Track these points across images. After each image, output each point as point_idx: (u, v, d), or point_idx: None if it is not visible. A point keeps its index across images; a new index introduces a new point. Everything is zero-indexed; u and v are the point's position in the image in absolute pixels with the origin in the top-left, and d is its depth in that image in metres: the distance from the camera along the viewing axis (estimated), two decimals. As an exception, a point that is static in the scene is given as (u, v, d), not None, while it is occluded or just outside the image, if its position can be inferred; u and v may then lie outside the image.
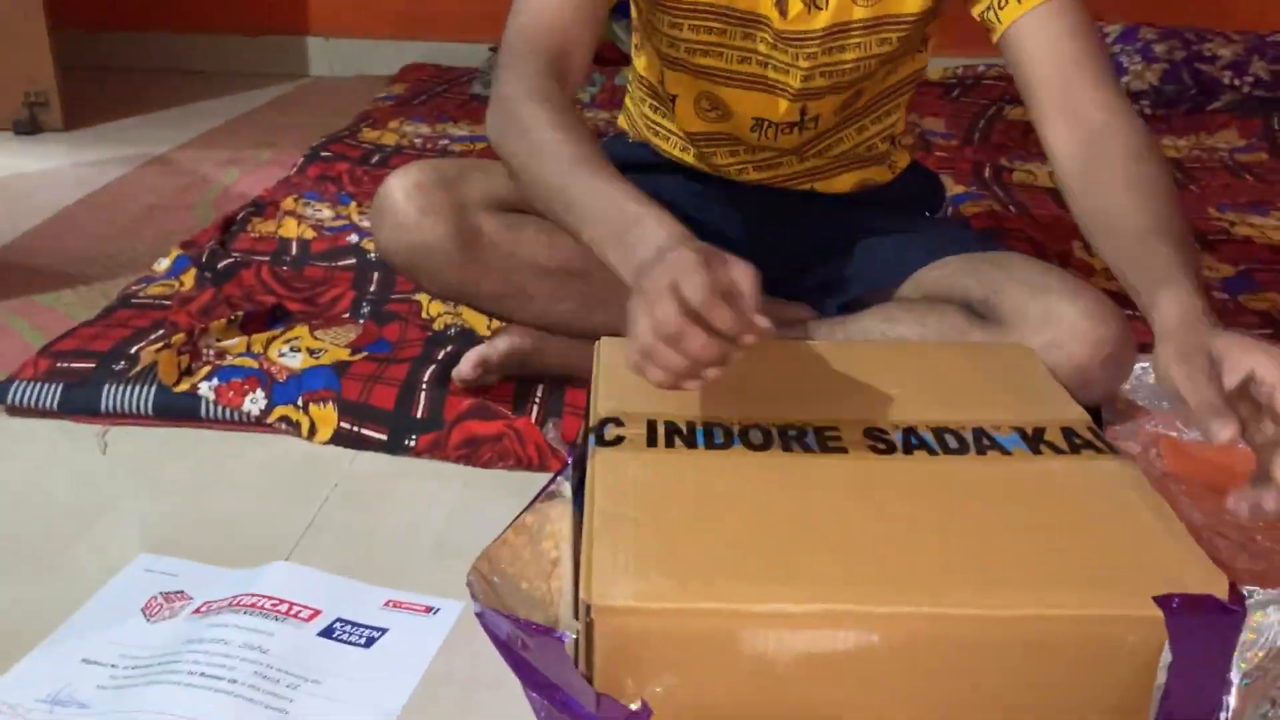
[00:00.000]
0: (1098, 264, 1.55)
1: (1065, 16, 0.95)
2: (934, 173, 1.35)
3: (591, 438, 0.70)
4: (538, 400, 1.14)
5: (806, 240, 1.22)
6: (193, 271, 1.42)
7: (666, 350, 0.66)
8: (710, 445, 0.70)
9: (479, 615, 0.60)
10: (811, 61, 1.02)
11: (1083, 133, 0.90)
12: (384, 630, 0.83)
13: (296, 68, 2.93)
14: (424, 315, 1.30)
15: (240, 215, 1.67)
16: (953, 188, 1.83)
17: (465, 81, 2.62)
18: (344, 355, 1.20)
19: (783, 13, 0.99)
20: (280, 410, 1.11)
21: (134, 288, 1.40)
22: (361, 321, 1.29)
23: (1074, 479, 0.68)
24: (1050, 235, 1.63)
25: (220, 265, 1.43)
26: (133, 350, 1.17)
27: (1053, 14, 0.95)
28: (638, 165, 1.27)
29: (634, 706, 0.55)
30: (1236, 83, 2.42)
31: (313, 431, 1.10)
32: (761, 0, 1.00)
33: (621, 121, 1.30)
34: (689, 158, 1.20)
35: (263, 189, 1.83)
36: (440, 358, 1.18)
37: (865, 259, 1.17)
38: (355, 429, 1.10)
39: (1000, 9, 0.97)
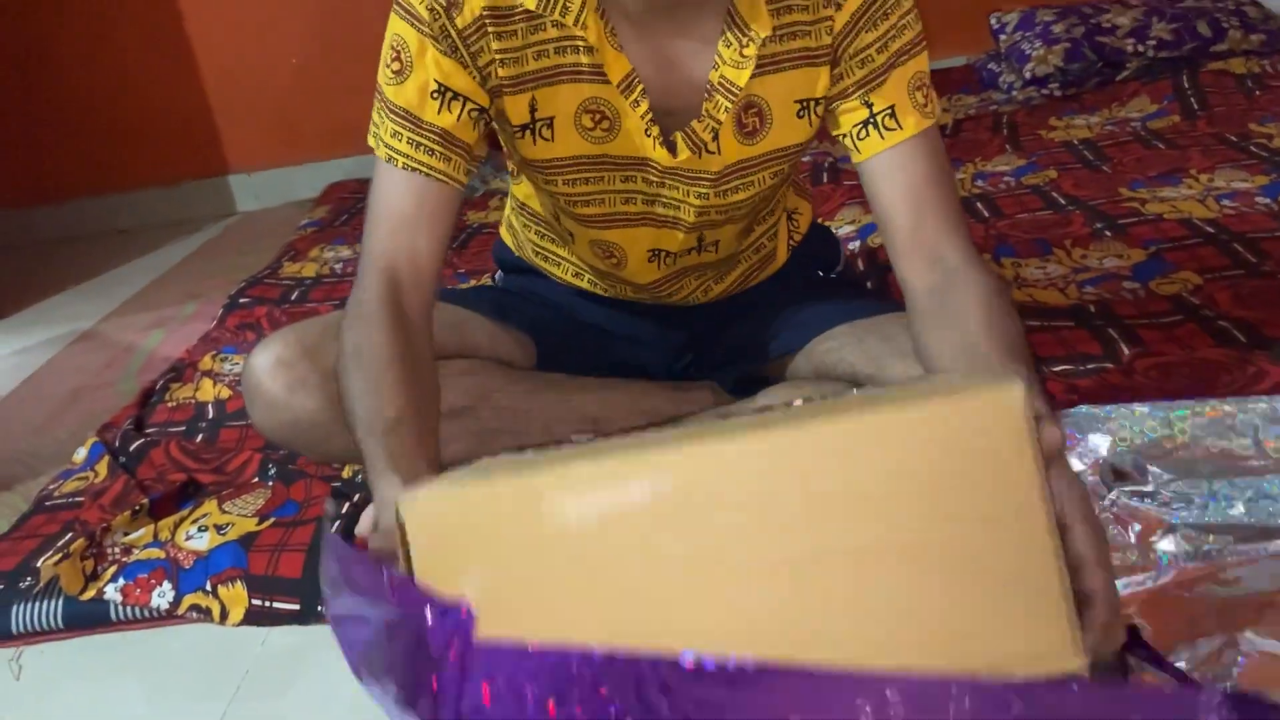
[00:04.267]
0: (1008, 274, 1.53)
1: (922, 157, 0.91)
2: (828, 231, 1.32)
3: None
4: (445, 539, 1.12)
5: (698, 327, 1.20)
6: (106, 460, 1.41)
7: None
8: None
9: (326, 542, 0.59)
10: (704, 201, 0.99)
11: (939, 274, 0.87)
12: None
13: (223, 207, 2.95)
14: (332, 465, 1.29)
15: (159, 385, 1.66)
16: (864, 219, 1.81)
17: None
18: (252, 525, 1.18)
19: (671, 150, 0.95)
20: (189, 599, 1.10)
21: (50, 487, 1.39)
22: (270, 484, 1.28)
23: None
24: (959, 252, 1.61)
25: (133, 448, 1.42)
26: (37, 564, 1.15)
27: (911, 154, 0.91)
28: (528, 269, 1.25)
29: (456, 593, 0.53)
30: (1140, 49, 2.41)
31: (224, 615, 1.08)
32: (642, 144, 0.95)
33: (504, 235, 1.28)
34: (583, 283, 1.18)
35: (184, 349, 1.83)
36: (345, 511, 1.16)
37: (758, 335, 1.16)
38: (266, 604, 1.08)
39: (860, 140, 0.93)
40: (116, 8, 2.79)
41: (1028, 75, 2.45)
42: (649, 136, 0.94)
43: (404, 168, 0.91)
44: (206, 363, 1.71)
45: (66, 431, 1.63)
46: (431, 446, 0.78)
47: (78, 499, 1.33)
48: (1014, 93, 2.48)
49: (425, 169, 0.91)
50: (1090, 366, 1.22)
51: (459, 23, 0.89)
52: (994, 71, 2.59)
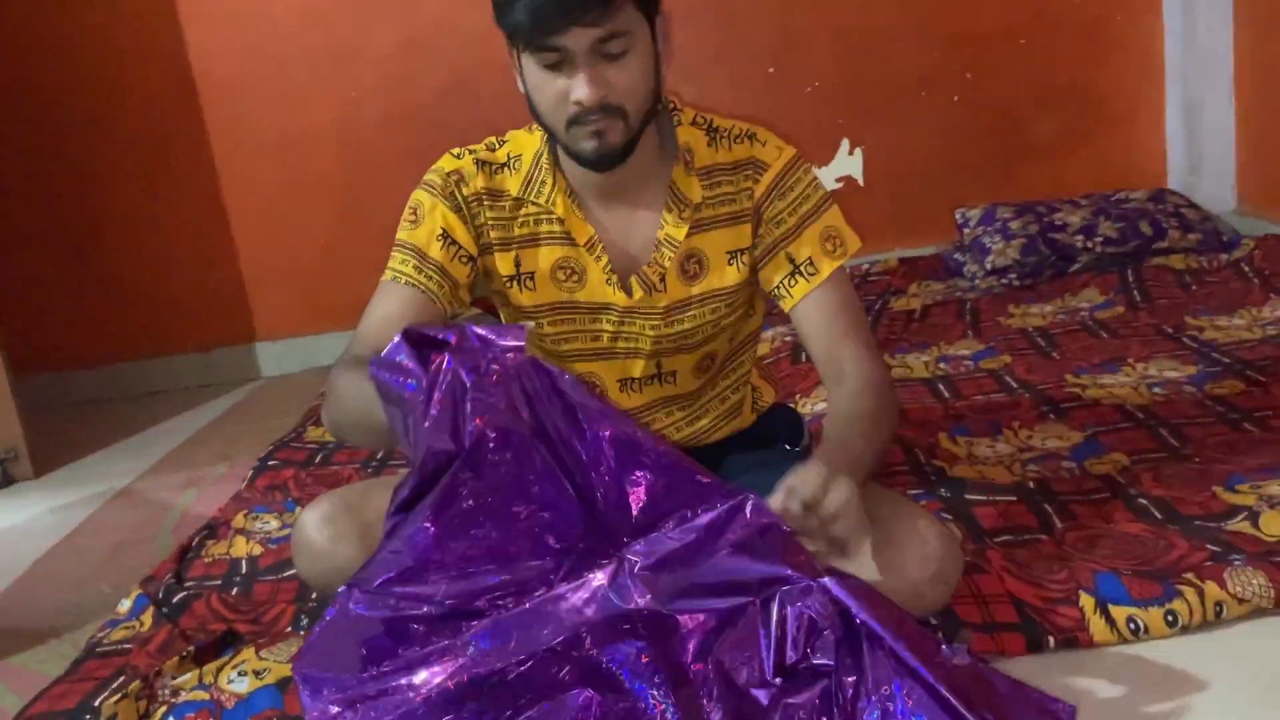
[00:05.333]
0: (960, 452, 1.72)
1: (834, 292, 1.24)
2: (794, 411, 1.54)
3: None
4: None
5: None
6: (151, 610, 1.56)
7: None
8: None
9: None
10: (656, 331, 1.26)
11: (840, 379, 1.21)
12: None
13: (249, 372, 3.17)
14: (358, 617, 1.44)
15: (195, 541, 1.82)
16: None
17: None
18: (287, 671, 1.33)
19: (628, 293, 1.24)
20: (231, 737, 1.24)
21: (100, 634, 1.54)
22: (302, 634, 1.43)
23: None
24: (920, 430, 1.81)
25: (175, 600, 1.57)
26: (95, 703, 1.30)
27: (826, 291, 1.24)
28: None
29: None
30: (1089, 244, 2.67)
31: (262, 751, 1.22)
32: (604, 291, 1.24)
33: None
34: None
35: (216, 508, 2.00)
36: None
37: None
38: (299, 742, 1.22)
39: (791, 288, 1.25)
40: (164, 188, 3.08)
41: (989, 266, 2.70)
42: (609, 284, 1.24)
43: (405, 284, 1.22)
44: (239, 521, 1.87)
45: (109, 585, 1.78)
46: None
47: (126, 646, 1.47)
48: (977, 281, 2.72)
49: (421, 285, 1.22)
50: (1027, 538, 1.39)
51: (465, 191, 1.24)
52: (960, 261, 2.85)
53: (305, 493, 1.96)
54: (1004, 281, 2.68)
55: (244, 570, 1.70)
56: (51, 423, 2.79)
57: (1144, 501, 1.45)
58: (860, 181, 3.07)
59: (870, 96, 3.06)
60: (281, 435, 2.37)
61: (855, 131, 3.06)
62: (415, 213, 1.26)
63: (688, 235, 1.23)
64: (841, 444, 1.11)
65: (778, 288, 1.25)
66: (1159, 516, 1.41)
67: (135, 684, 1.30)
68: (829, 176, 3.05)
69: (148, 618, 1.55)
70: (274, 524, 1.85)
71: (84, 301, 3.12)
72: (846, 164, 3.05)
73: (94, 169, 3.04)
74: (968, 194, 3.02)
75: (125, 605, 1.61)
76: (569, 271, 1.25)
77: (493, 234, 1.25)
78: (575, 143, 1.15)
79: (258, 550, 1.75)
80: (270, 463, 2.17)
